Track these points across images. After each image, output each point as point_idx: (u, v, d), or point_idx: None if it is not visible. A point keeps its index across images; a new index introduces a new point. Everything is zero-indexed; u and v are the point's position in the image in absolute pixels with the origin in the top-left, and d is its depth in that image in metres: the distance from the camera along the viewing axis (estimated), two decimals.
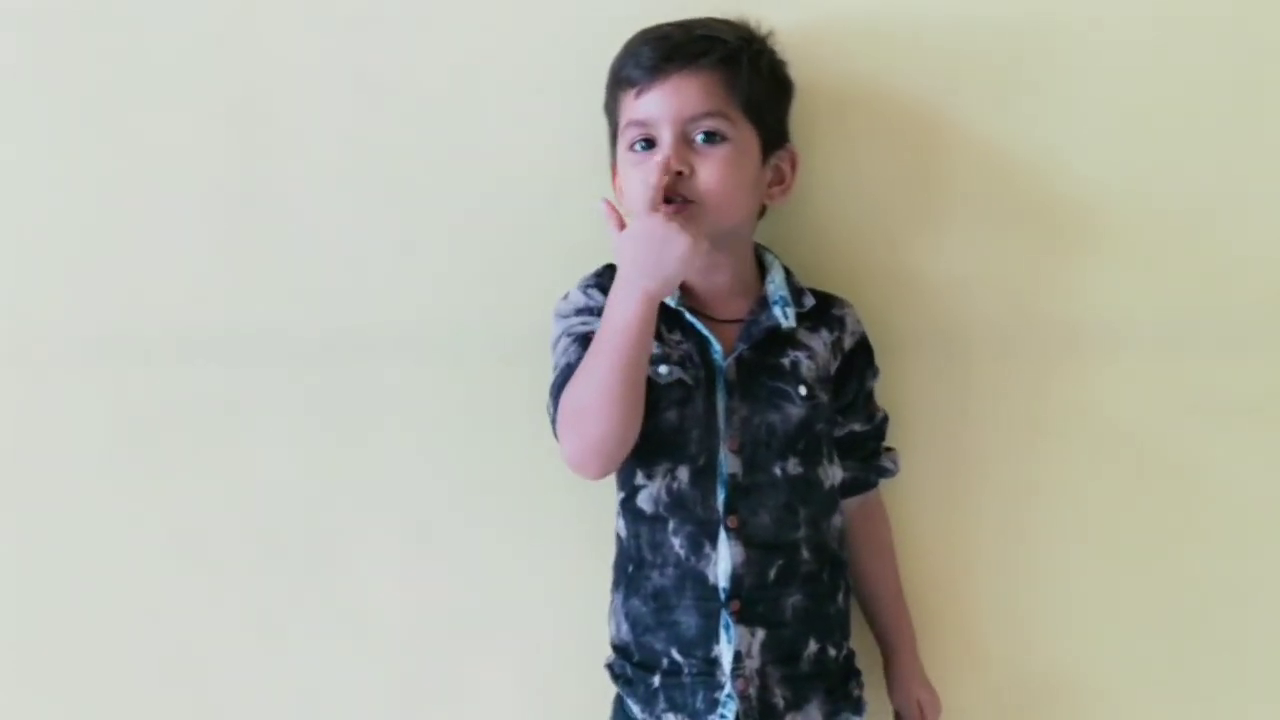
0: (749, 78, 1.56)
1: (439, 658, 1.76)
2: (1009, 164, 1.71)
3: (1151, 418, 1.74)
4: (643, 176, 1.51)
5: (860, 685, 1.64)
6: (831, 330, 1.63)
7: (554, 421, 1.55)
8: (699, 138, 1.54)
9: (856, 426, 1.66)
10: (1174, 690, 1.77)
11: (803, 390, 1.59)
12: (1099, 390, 1.74)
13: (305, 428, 1.75)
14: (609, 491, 1.62)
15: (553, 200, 1.72)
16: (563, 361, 1.57)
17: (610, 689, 1.63)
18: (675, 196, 1.52)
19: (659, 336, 1.56)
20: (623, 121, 1.57)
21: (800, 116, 1.66)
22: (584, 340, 1.55)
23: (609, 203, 1.52)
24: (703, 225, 1.51)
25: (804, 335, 1.62)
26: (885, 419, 1.69)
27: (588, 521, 1.70)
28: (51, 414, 1.75)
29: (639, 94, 1.55)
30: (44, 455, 1.76)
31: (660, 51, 1.55)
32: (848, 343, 1.64)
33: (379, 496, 1.75)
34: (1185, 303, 1.73)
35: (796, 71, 1.64)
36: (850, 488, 1.67)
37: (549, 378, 1.58)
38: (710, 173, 1.53)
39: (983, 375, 1.75)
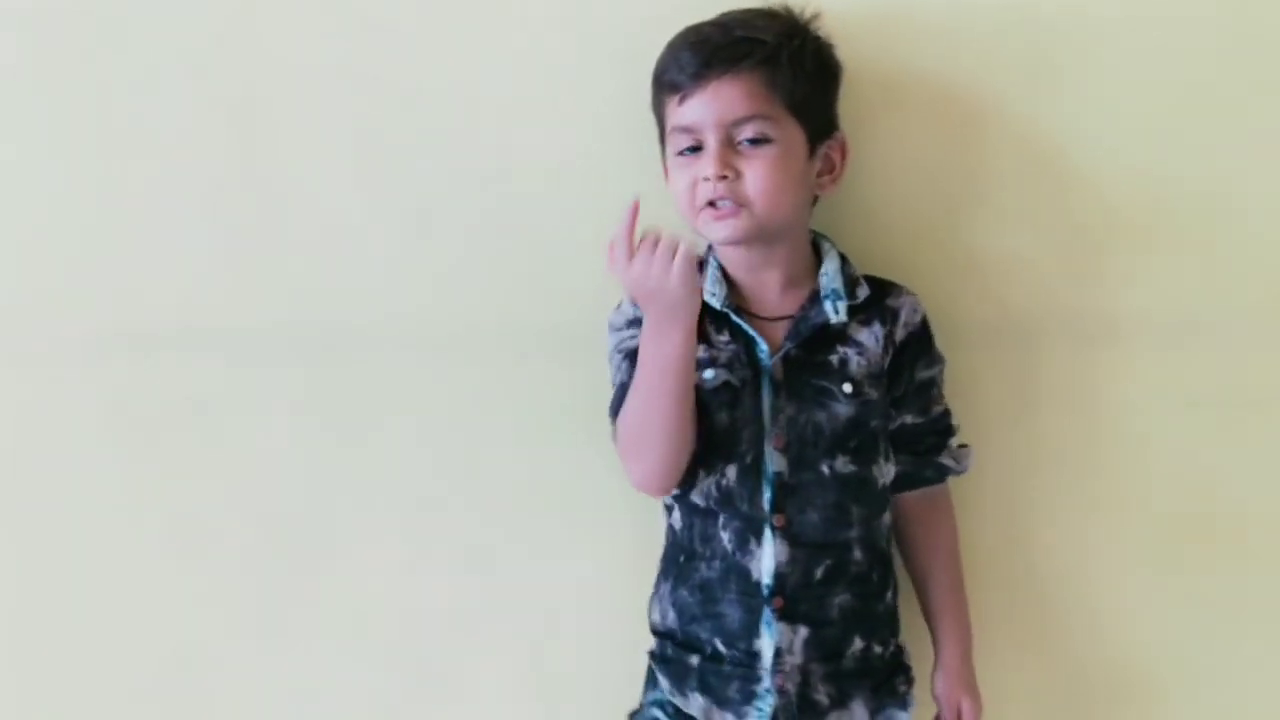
0: (791, 75, 1.53)
1: (439, 654, 1.76)
2: (1065, 149, 1.68)
3: (1214, 406, 1.71)
4: (688, 181, 1.53)
5: (908, 681, 1.62)
6: (884, 323, 1.59)
7: (616, 441, 1.58)
8: (744, 141, 1.52)
9: (908, 419, 1.61)
10: (1232, 687, 1.76)
11: (847, 388, 1.56)
12: (1155, 378, 1.71)
13: (306, 423, 1.74)
14: (609, 489, 1.64)
15: (558, 196, 1.69)
16: (618, 380, 1.58)
17: (614, 683, 1.65)
18: (723, 201, 1.51)
19: (706, 339, 1.57)
20: (668, 126, 1.56)
21: (854, 100, 1.62)
22: (635, 356, 1.55)
23: (613, 246, 1.48)
24: (755, 226, 1.52)
25: (855, 329, 1.58)
26: (945, 414, 1.64)
27: (589, 518, 1.71)
28: (51, 410, 1.75)
29: (681, 100, 1.53)
30: (43, 451, 1.76)
31: (700, 56, 1.52)
32: (899, 335, 1.59)
33: (380, 492, 1.74)
34: (1247, 290, 1.70)
35: (846, 54, 1.60)
36: (903, 482, 1.63)
37: (563, 375, 1.63)
38: (756, 176, 1.51)
39: (1042, 361, 1.71)
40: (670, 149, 1.56)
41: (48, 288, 1.73)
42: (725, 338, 1.57)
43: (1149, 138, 1.68)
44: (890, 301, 1.60)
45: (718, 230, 1.53)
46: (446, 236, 1.71)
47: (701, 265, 1.61)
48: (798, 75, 1.53)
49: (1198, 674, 1.75)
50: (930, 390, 1.63)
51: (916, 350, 1.61)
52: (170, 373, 1.73)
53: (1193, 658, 1.74)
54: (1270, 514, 1.73)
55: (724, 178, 1.51)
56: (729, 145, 1.52)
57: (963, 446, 1.65)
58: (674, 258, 1.46)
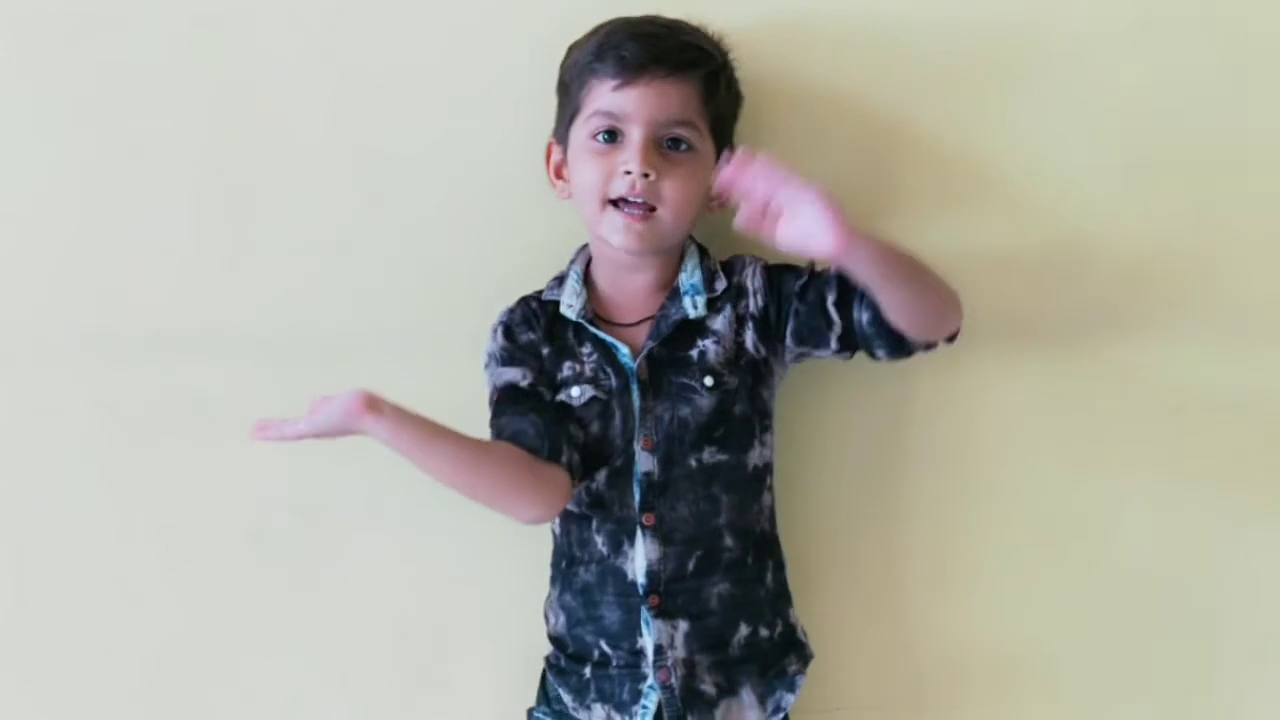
0: (723, 94, 1.56)
1: (434, 656, 1.77)
2: (960, 162, 1.70)
3: (1133, 411, 1.73)
4: (604, 171, 1.52)
5: (802, 659, 1.64)
6: (735, 304, 1.60)
7: None
8: (666, 143, 1.53)
9: (810, 290, 1.58)
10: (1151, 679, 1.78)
11: (708, 381, 1.57)
12: (1063, 383, 1.73)
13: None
14: None
15: (540, 195, 1.68)
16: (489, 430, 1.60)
17: None
18: (635, 199, 1.52)
19: (570, 353, 1.59)
20: (589, 109, 1.55)
21: (764, 114, 1.65)
22: (493, 409, 1.59)
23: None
24: (658, 237, 1.53)
25: (711, 318, 1.59)
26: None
27: None
28: (42, 413, 1.75)
29: (618, 87, 1.52)
30: (30, 454, 1.76)
31: (649, 51, 1.52)
32: (755, 305, 1.59)
33: (371, 494, 1.75)
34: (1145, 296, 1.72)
35: (756, 68, 1.62)
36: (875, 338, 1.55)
37: None
38: (675, 184, 1.53)
39: (968, 369, 1.72)
40: (582, 130, 1.55)
41: (37, 290, 1.74)
42: (587, 349, 1.60)
43: (1061, 145, 1.69)
44: (736, 278, 1.61)
45: (621, 235, 1.54)
46: (432, 241, 1.73)
47: (561, 279, 1.63)
48: (727, 96, 1.57)
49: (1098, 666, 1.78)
50: (800, 270, 1.59)
51: (781, 292, 1.59)
52: (160, 375, 1.74)
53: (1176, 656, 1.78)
54: (1239, 513, 1.75)
55: (646, 175, 1.51)
56: (654, 145, 1.52)
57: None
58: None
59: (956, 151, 1.69)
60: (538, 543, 1.68)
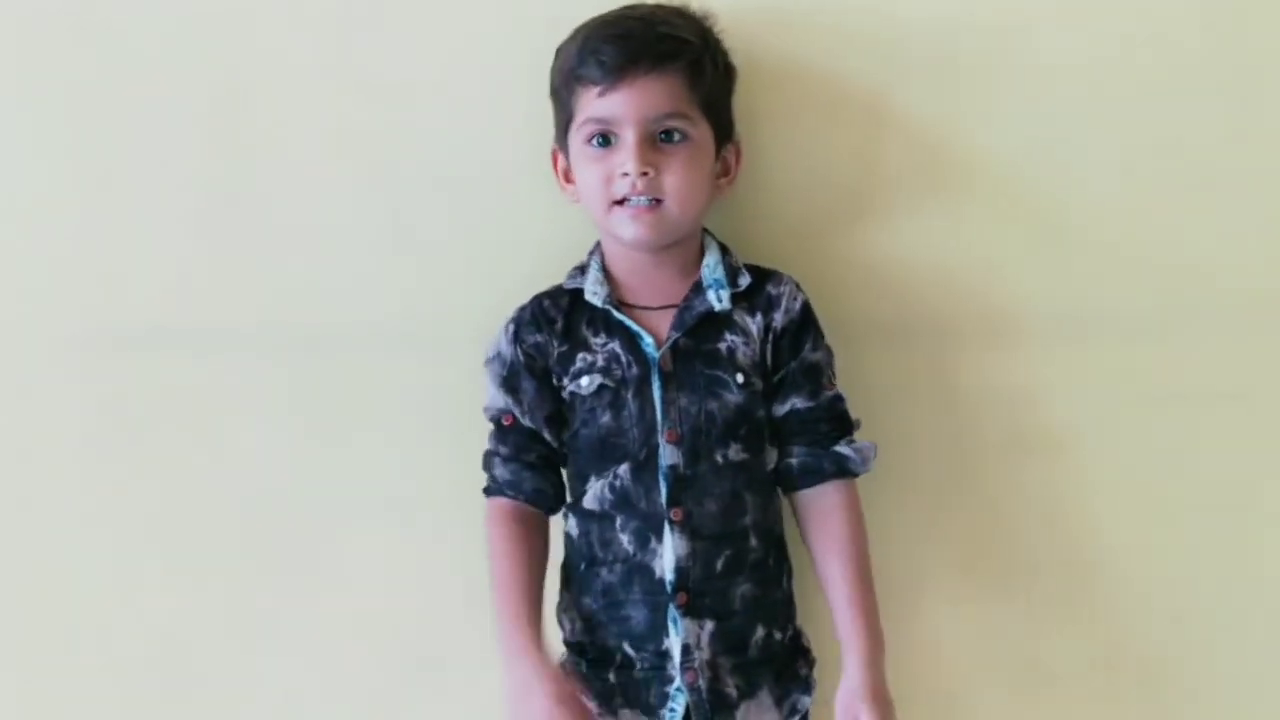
0: (710, 77, 1.56)
1: (424, 653, 1.75)
2: (955, 147, 1.71)
3: (1112, 406, 1.74)
4: (603, 174, 1.53)
5: (809, 664, 1.63)
6: (766, 313, 1.59)
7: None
8: (660, 136, 1.53)
9: (798, 403, 1.60)
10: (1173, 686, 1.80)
11: (739, 378, 1.57)
12: (1046, 378, 1.74)
13: (291, 422, 1.74)
14: None
15: (537, 193, 1.68)
16: (488, 442, 1.62)
17: None
18: (638, 197, 1.52)
19: (583, 344, 1.57)
20: (580, 117, 1.54)
21: (750, 99, 1.65)
22: (497, 426, 1.60)
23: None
24: (668, 226, 1.53)
25: (740, 317, 1.59)
26: (838, 399, 1.60)
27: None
28: (35, 409, 1.74)
29: (602, 93, 1.52)
30: (28, 450, 1.75)
31: (625, 52, 1.52)
32: (779, 321, 1.59)
33: (362, 489, 1.74)
34: (1138, 290, 1.73)
35: (741, 52, 1.63)
36: (801, 477, 1.59)
37: None
38: (675, 174, 1.53)
39: (930, 362, 1.74)
40: (577, 137, 1.55)
41: (31, 287, 1.73)
42: (602, 339, 1.58)
43: (1048, 136, 1.71)
44: (771, 289, 1.61)
45: (631, 229, 1.54)
46: (428, 236, 1.72)
47: (583, 269, 1.62)
48: (715, 78, 1.56)
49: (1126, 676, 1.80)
50: (819, 375, 1.60)
51: (799, 334, 1.60)
52: (155, 372, 1.73)
53: (1170, 652, 1.79)
54: (1216, 504, 1.77)
55: (644, 174, 1.51)
56: (648, 141, 1.52)
57: (860, 442, 1.61)
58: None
59: (944, 140, 1.70)
60: None
